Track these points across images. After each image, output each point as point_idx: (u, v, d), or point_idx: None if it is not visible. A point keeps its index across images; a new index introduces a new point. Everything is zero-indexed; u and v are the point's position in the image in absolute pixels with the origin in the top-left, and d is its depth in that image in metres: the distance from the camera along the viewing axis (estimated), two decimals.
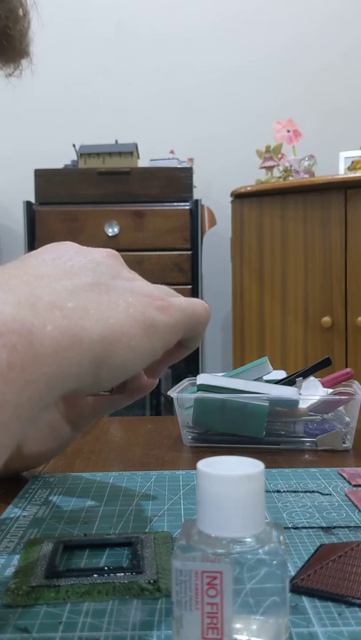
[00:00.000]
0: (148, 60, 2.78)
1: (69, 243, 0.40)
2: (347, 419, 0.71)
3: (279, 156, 2.31)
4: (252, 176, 2.39)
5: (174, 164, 2.42)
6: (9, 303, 0.30)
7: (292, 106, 2.64)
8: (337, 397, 0.71)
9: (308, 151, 2.30)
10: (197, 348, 2.26)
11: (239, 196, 2.18)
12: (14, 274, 0.34)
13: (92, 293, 0.36)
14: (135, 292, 0.38)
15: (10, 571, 0.40)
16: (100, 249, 0.41)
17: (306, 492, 0.55)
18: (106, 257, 0.40)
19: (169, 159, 2.46)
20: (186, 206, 2.29)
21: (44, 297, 0.33)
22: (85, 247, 0.40)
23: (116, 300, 0.37)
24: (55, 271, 0.36)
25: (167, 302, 0.39)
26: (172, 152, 2.55)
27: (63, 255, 0.38)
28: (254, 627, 0.29)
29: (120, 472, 0.60)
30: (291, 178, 2.24)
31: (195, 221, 2.28)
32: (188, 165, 2.41)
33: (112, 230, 2.26)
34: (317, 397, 0.70)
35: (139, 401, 0.53)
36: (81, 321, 0.33)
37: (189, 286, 2.26)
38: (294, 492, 0.55)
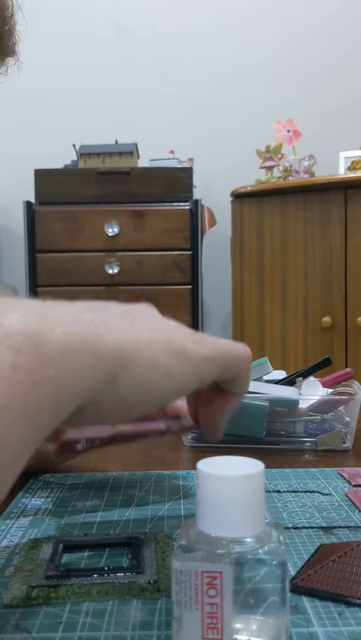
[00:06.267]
0: (148, 61, 2.78)
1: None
2: (347, 419, 0.71)
3: (279, 156, 2.31)
4: (252, 176, 2.38)
5: (174, 164, 2.42)
6: (16, 312, 0.29)
7: (292, 106, 2.64)
8: (337, 397, 0.71)
9: (308, 151, 2.30)
10: None
11: (239, 196, 2.18)
12: (30, 300, 0.33)
13: (114, 317, 0.35)
14: (166, 323, 0.37)
15: (10, 571, 0.40)
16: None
17: (306, 491, 0.55)
18: (140, 304, 0.38)
19: (169, 159, 2.46)
20: (186, 206, 2.29)
21: (57, 309, 0.31)
22: None
23: (140, 324, 0.35)
24: (78, 304, 0.34)
25: (200, 337, 0.38)
26: (172, 152, 2.55)
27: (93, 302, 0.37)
28: (254, 627, 0.29)
29: (120, 472, 0.60)
30: (291, 178, 2.24)
31: (195, 221, 2.28)
32: (188, 165, 2.41)
33: (112, 230, 2.26)
34: (317, 397, 0.70)
35: None
36: (96, 329, 0.32)
37: (189, 286, 2.26)
38: (294, 492, 0.55)
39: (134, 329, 0.34)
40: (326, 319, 2.00)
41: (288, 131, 2.31)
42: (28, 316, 0.29)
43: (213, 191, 2.64)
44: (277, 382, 0.74)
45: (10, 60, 0.58)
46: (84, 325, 0.31)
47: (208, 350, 0.37)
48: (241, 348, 0.40)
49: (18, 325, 0.28)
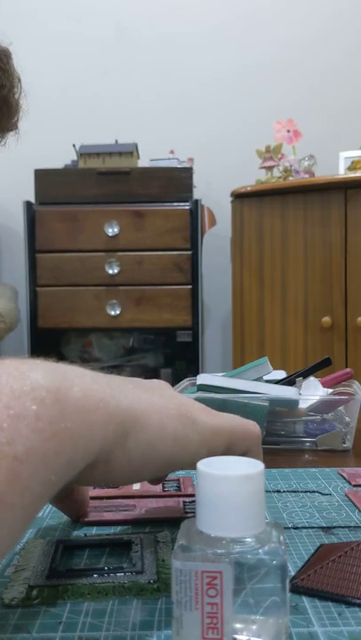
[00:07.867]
0: (148, 61, 2.78)
1: None
2: (347, 419, 0.71)
3: (279, 156, 2.31)
4: (252, 176, 2.38)
5: (174, 163, 2.41)
6: (41, 369, 0.32)
7: (292, 106, 2.64)
8: (337, 397, 0.71)
9: (308, 151, 2.30)
10: (197, 348, 2.26)
11: (239, 196, 2.17)
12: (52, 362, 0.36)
13: (129, 384, 0.38)
14: (178, 395, 0.40)
15: (10, 571, 0.40)
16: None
17: (306, 491, 0.55)
18: (155, 381, 0.42)
19: (169, 159, 2.45)
20: (186, 206, 2.29)
21: (77, 370, 0.34)
22: None
23: (153, 393, 0.38)
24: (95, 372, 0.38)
25: (211, 410, 0.40)
26: (172, 152, 2.55)
27: None
28: (254, 627, 0.29)
29: None
30: (291, 178, 2.24)
31: (195, 221, 2.28)
32: (188, 165, 2.41)
33: (112, 230, 2.26)
34: (317, 397, 0.70)
35: None
36: (111, 390, 0.34)
37: (189, 286, 2.26)
38: (294, 492, 0.55)
39: (147, 395, 0.37)
40: (326, 319, 2.00)
41: (288, 131, 2.31)
42: (52, 373, 0.32)
43: (213, 191, 2.63)
44: (277, 382, 0.74)
45: (10, 134, 0.60)
46: (100, 385, 0.34)
47: (216, 421, 0.40)
48: (251, 426, 0.43)
49: (42, 380, 0.31)
